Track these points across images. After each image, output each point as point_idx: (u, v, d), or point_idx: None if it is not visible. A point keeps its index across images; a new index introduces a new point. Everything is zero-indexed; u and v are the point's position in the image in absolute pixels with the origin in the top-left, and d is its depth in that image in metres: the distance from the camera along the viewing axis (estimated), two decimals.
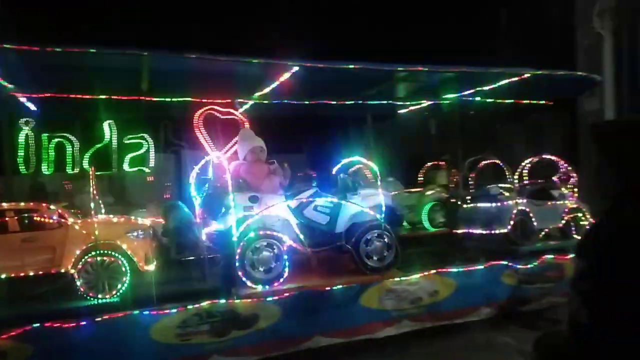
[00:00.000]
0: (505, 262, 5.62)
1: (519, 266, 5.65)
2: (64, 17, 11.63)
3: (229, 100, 5.81)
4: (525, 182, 6.77)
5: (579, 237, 2.06)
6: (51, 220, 4.49)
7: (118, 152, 6.02)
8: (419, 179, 9.29)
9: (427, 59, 5.52)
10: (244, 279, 4.61)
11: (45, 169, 6.14)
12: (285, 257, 4.78)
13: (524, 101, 7.49)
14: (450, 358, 4.89)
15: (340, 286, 4.82)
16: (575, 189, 6.57)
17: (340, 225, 5.14)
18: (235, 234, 4.57)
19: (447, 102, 7.28)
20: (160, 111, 6.33)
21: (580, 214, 6.33)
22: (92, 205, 4.47)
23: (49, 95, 5.45)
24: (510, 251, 5.99)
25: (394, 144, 12.68)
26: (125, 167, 6.03)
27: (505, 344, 5.01)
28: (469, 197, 6.74)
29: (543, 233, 6.38)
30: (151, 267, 4.68)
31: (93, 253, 4.41)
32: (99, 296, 4.46)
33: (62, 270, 4.36)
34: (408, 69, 5.35)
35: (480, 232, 6.26)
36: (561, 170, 6.74)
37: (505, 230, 6.05)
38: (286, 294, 4.60)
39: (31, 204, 4.65)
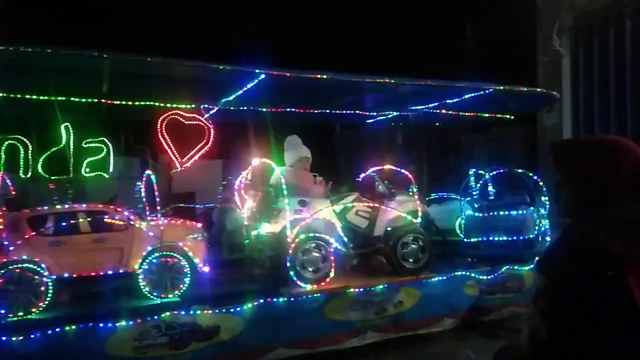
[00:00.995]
0: (467, 273, 5.71)
1: (480, 277, 5.74)
2: (25, 14, 11.19)
3: (194, 105, 5.70)
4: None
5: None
6: (120, 222, 4.61)
7: (76, 156, 5.79)
8: None
9: (395, 71, 5.59)
10: (295, 278, 4.81)
11: None
12: (332, 258, 5.01)
13: (487, 114, 7.70)
14: None
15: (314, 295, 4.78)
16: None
17: (379, 229, 5.40)
18: (290, 235, 4.79)
19: (414, 113, 7.39)
20: (122, 115, 6.14)
21: None
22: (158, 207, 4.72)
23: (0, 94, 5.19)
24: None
25: (361, 153, 12.76)
26: (84, 171, 5.79)
27: (467, 356, 5.07)
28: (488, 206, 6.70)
29: None
30: (207, 268, 4.84)
31: (158, 254, 4.57)
32: (162, 295, 4.60)
33: (129, 270, 4.49)
34: (376, 81, 5.39)
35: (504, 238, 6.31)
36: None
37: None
38: (249, 305, 4.52)
39: (100, 206, 4.84)
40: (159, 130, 5.20)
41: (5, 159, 5.77)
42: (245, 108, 6.27)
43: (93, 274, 4.37)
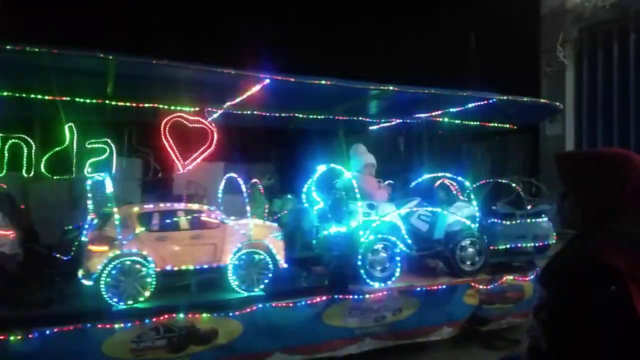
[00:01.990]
0: (467, 282, 5.70)
1: (480, 286, 5.73)
2: (31, 14, 11.24)
3: (199, 108, 5.71)
4: None
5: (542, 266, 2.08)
6: (214, 220, 5.00)
7: (79, 157, 5.80)
8: None
9: (400, 79, 5.60)
10: (365, 276, 5.14)
11: None
12: (398, 258, 5.35)
13: (490, 124, 7.70)
14: None
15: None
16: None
17: (439, 232, 5.74)
18: (364, 236, 5.18)
19: (417, 121, 7.39)
20: (125, 116, 6.15)
21: None
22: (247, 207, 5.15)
23: (5, 93, 5.20)
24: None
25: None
26: (86, 172, 5.80)
27: None
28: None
29: None
30: (286, 264, 5.20)
31: (246, 250, 4.92)
32: (249, 289, 4.91)
33: (221, 265, 4.85)
34: (379, 88, 5.40)
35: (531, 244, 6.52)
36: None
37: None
38: (247, 309, 4.51)
39: (196, 206, 5.22)
40: (162, 132, 5.20)
41: (9, 158, 5.80)
42: (249, 112, 6.27)
43: (191, 267, 4.75)
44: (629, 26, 8.74)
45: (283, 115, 6.64)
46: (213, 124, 5.74)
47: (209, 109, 5.88)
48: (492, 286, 5.79)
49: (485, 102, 6.04)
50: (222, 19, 13.51)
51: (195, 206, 5.19)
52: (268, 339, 4.61)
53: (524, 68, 10.79)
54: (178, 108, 5.52)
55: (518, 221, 6.44)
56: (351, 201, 5.41)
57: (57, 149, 5.83)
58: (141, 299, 4.48)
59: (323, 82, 4.86)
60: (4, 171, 6.20)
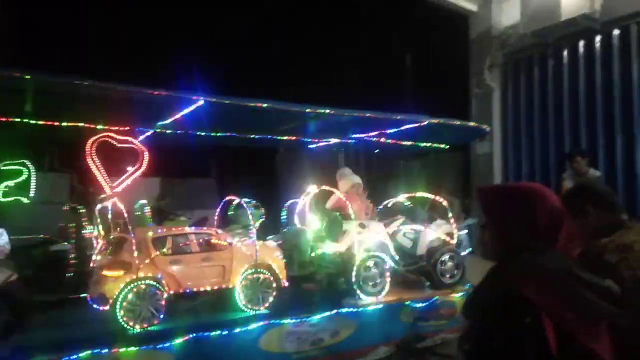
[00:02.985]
0: (403, 301, 5.80)
1: (415, 304, 5.85)
2: None
3: (128, 128, 5.46)
4: None
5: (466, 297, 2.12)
6: (224, 243, 5.16)
7: None
8: None
9: (338, 99, 5.70)
10: (359, 292, 5.51)
11: None
12: (387, 274, 5.73)
13: (423, 144, 7.98)
14: None
15: (240, 329, 4.66)
16: None
17: (421, 248, 6.17)
18: (358, 254, 5.53)
19: (355, 142, 7.52)
20: (47, 136, 5.75)
21: None
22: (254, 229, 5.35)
23: None
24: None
25: (304, 176, 12.80)
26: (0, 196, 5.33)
27: None
28: None
29: None
30: (287, 283, 5.43)
31: (253, 271, 5.10)
32: (255, 308, 5.09)
33: (230, 286, 5.00)
34: (316, 111, 5.44)
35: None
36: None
37: None
38: (180, 339, 4.30)
39: (205, 229, 5.41)
40: (88, 153, 4.90)
41: None
42: (182, 132, 6.09)
43: (202, 289, 4.90)
44: (548, 53, 9.43)
45: (219, 135, 6.51)
46: (144, 145, 5.50)
47: (140, 128, 5.65)
48: (426, 304, 5.93)
49: (418, 124, 6.26)
50: (163, 39, 13.17)
51: (205, 229, 5.39)
52: None
53: (456, 89, 11.35)
54: (106, 128, 5.24)
55: None
56: (345, 221, 5.76)
57: None
58: (155, 322, 4.56)
59: (259, 104, 4.82)
60: None
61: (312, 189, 5.97)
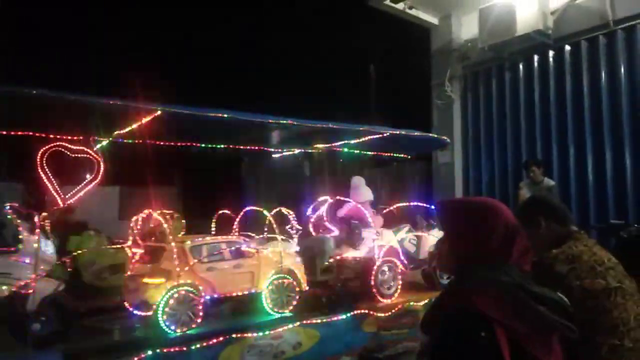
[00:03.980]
0: (366, 310, 5.81)
1: (378, 314, 5.87)
2: None
3: (83, 137, 5.26)
4: None
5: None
6: (252, 250, 5.50)
7: None
8: None
9: (302, 110, 5.69)
10: (377, 295, 6.06)
11: None
12: (399, 277, 6.27)
13: (386, 154, 8.08)
14: None
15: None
16: None
17: (423, 253, 6.78)
18: (377, 259, 6.08)
19: (318, 151, 7.52)
20: None
21: None
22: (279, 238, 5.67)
23: None
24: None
25: (270, 185, 12.75)
26: None
27: None
28: None
29: None
30: (307, 286, 5.83)
31: (278, 276, 5.47)
32: (280, 311, 5.48)
33: (257, 291, 5.38)
34: (278, 122, 5.41)
35: None
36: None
37: None
38: (135, 358, 4.14)
39: (234, 237, 5.76)
40: (39, 163, 4.68)
41: None
42: (141, 141, 5.92)
43: (233, 294, 5.28)
44: (505, 66, 9.76)
45: (179, 145, 6.36)
46: (99, 154, 5.32)
47: (95, 137, 5.45)
48: (389, 313, 5.96)
49: (380, 135, 6.33)
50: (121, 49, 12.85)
51: (234, 237, 5.76)
52: None
53: (418, 100, 11.58)
54: (58, 137, 5.02)
55: None
56: (364, 229, 6.30)
57: None
58: (193, 325, 4.88)
59: (220, 115, 4.74)
60: None
61: (325, 199, 6.54)
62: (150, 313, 4.75)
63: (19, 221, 4.43)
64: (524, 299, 1.64)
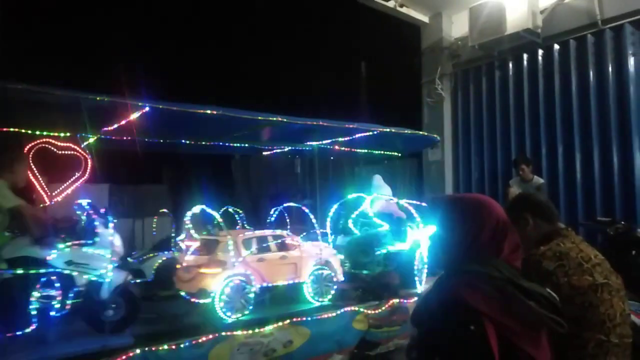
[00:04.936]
0: (356, 308, 5.81)
1: (369, 311, 5.87)
2: None
3: (69, 134, 5.19)
4: None
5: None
6: (296, 243, 5.92)
7: None
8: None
9: (294, 106, 5.68)
10: (417, 284, 6.40)
11: None
12: (426, 267, 6.53)
13: (377, 152, 8.08)
14: None
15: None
16: None
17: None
18: (423, 252, 6.38)
19: (309, 149, 7.51)
20: None
21: None
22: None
23: None
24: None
25: (261, 181, 12.72)
26: None
27: None
28: None
29: None
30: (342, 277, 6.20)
31: (319, 267, 5.92)
32: (320, 299, 5.91)
33: (300, 281, 5.81)
34: (268, 119, 5.38)
35: None
36: None
37: None
38: (123, 356, 4.09)
39: (278, 231, 6.08)
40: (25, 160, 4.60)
41: None
42: (130, 138, 5.86)
43: (279, 283, 5.68)
44: (495, 65, 9.82)
45: (168, 141, 6.31)
46: (87, 151, 5.25)
47: (83, 134, 5.38)
48: (379, 310, 5.96)
49: (370, 133, 6.32)
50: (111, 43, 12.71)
51: (279, 232, 6.07)
52: None
53: (408, 97, 11.61)
54: (45, 133, 4.96)
55: None
56: (409, 223, 6.64)
57: None
58: (246, 312, 5.30)
59: (208, 111, 4.70)
60: None
61: (351, 196, 6.79)
62: (207, 300, 5.11)
63: (95, 217, 4.75)
64: (514, 293, 1.65)
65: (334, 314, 5.56)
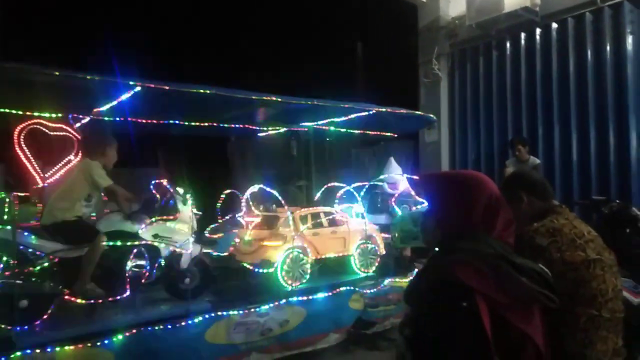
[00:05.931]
0: (352, 287, 5.85)
1: (365, 290, 5.91)
2: None
3: (62, 115, 5.12)
4: None
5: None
6: (344, 219, 6.40)
7: None
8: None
9: (288, 87, 5.61)
10: None
11: None
12: None
13: (372, 132, 8.03)
14: None
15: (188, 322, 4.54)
16: None
17: None
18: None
19: (304, 129, 7.45)
20: None
21: None
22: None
23: None
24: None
25: (257, 164, 12.66)
26: None
27: None
28: None
29: None
30: (384, 250, 6.72)
31: (364, 241, 6.41)
32: (365, 271, 6.46)
33: (348, 254, 6.35)
34: (262, 98, 5.31)
35: None
36: None
37: None
38: (120, 336, 4.12)
39: (328, 208, 6.56)
40: (16, 141, 4.56)
41: None
42: (124, 119, 5.79)
43: (331, 256, 6.22)
44: (492, 44, 9.71)
45: (162, 122, 6.24)
46: (79, 132, 5.19)
47: (75, 115, 5.31)
48: (375, 289, 6.01)
49: (366, 112, 6.27)
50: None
51: (328, 208, 6.52)
52: None
53: (405, 78, 11.51)
54: (36, 114, 4.89)
55: None
56: None
57: None
58: (304, 280, 5.81)
59: (201, 90, 4.63)
60: None
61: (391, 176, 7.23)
62: (270, 270, 5.58)
63: (176, 195, 5.18)
64: (506, 269, 1.64)
65: (330, 293, 5.60)
